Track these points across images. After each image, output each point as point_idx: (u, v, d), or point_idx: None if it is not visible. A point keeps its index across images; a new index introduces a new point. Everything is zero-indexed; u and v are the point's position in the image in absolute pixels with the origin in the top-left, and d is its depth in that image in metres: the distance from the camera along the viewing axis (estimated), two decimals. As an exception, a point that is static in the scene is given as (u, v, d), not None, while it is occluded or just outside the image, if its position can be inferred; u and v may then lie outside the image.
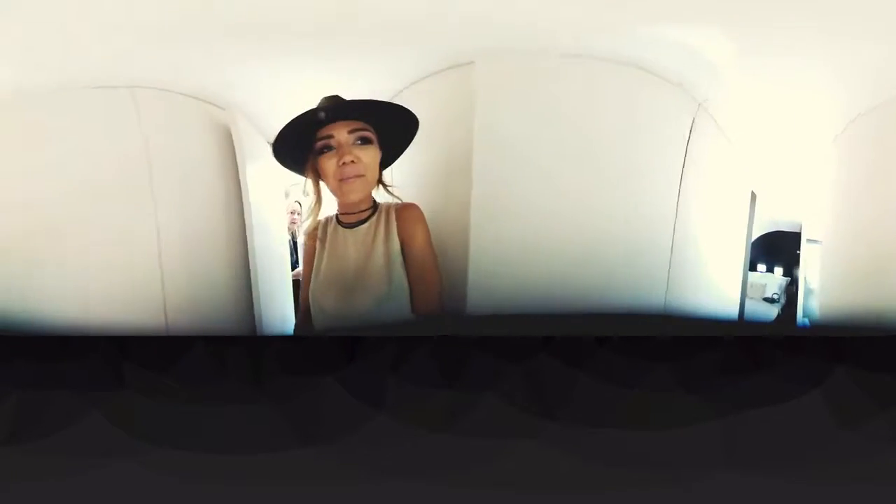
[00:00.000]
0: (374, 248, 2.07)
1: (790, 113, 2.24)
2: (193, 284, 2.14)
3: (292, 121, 2.03)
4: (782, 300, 2.31)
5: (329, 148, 2.04)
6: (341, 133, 2.03)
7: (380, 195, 2.12)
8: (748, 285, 2.29)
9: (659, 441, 2.31)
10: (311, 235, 2.13)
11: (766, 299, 2.31)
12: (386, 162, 2.07)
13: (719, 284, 2.29)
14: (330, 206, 2.14)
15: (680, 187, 2.17)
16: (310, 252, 2.13)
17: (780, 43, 2.16)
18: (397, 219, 2.06)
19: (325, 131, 2.03)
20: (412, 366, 2.34)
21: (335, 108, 2.01)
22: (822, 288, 2.26)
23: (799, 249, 2.29)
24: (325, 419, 2.32)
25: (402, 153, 2.05)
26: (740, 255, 2.29)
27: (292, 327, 2.23)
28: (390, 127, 2.04)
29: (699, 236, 2.24)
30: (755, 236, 2.30)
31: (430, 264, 2.08)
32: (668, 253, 2.17)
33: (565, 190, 2.10)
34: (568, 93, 2.10)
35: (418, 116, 2.04)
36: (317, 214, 2.09)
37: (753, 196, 2.28)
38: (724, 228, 2.30)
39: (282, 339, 2.30)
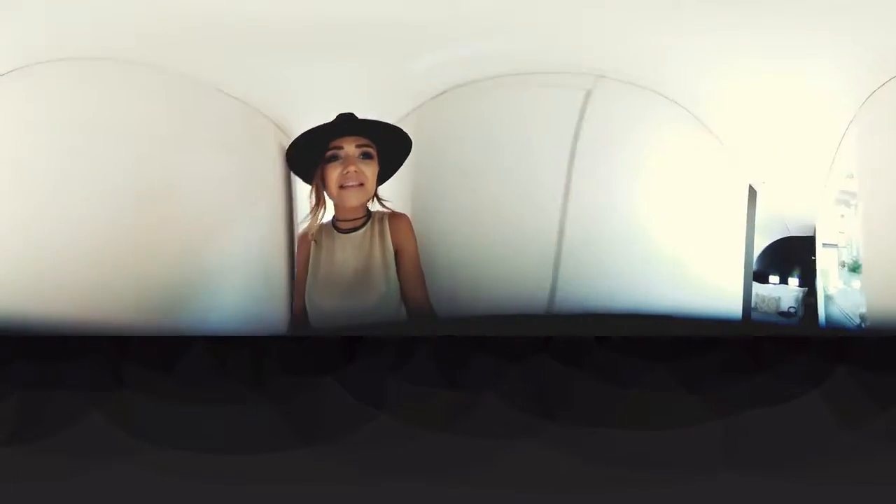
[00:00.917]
0: (371, 251, 2.25)
1: (789, 106, 2.22)
2: (270, 288, 2.28)
3: (309, 131, 2.24)
4: (800, 312, 2.23)
5: (336, 158, 2.25)
6: (350, 146, 2.25)
7: (373, 207, 2.30)
8: (761, 300, 2.24)
9: (659, 441, 2.31)
10: (305, 238, 2.26)
11: (781, 314, 2.24)
12: (382, 178, 2.27)
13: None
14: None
15: (569, 184, 2.22)
16: (304, 254, 2.26)
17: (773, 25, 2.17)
18: (390, 226, 2.26)
19: (335, 143, 2.24)
20: (412, 366, 2.34)
21: (349, 123, 2.23)
22: (868, 291, 2.18)
23: (814, 255, 2.23)
24: (325, 419, 2.32)
25: (396, 171, 2.26)
26: (739, 257, 2.26)
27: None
28: (389, 146, 2.25)
29: (594, 230, 2.23)
30: (763, 245, 2.25)
31: (419, 268, 2.25)
32: (553, 249, 2.22)
33: (482, 198, 2.28)
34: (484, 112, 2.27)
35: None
36: (317, 217, 2.26)
37: (753, 195, 2.27)
38: (688, 225, 2.26)
39: (282, 339, 2.30)
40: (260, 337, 2.25)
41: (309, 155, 2.24)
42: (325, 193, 2.25)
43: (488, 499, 2.29)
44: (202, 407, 2.32)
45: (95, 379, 2.33)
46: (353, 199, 2.25)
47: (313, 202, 2.25)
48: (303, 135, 2.24)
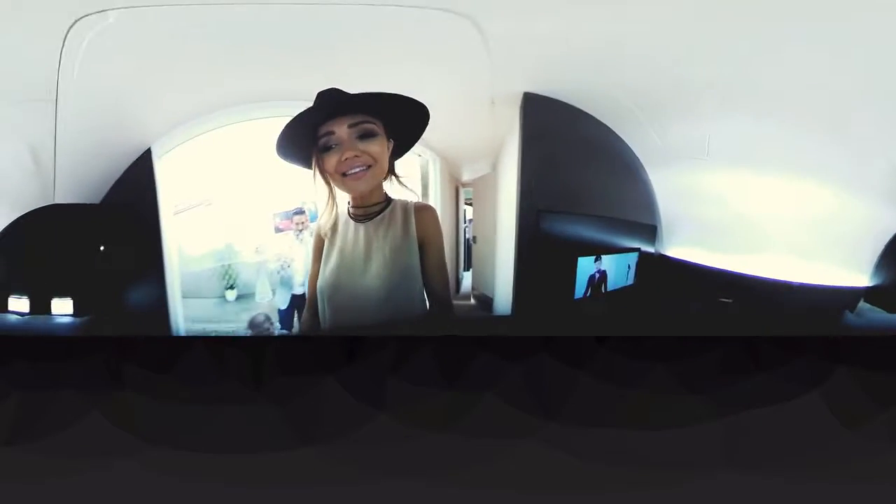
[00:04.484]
0: (388, 240, 2.10)
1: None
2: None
3: (292, 121, 2.06)
4: None
5: (330, 145, 2.06)
6: (342, 129, 2.05)
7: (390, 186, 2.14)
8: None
9: (659, 441, 2.31)
10: (319, 236, 2.12)
11: None
12: (400, 151, 2.09)
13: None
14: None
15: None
16: (316, 252, 2.14)
17: None
18: (416, 218, 2.09)
19: (325, 128, 2.05)
20: (412, 366, 2.34)
21: (331, 105, 2.03)
22: None
23: None
24: (325, 419, 2.32)
25: (415, 142, 2.07)
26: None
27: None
28: (398, 118, 2.05)
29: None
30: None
31: (444, 262, 2.11)
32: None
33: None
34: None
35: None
36: (331, 211, 2.10)
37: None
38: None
39: (282, 339, 2.30)
40: (260, 337, 2.25)
41: (300, 146, 2.05)
42: (331, 184, 2.07)
43: (488, 499, 2.29)
44: (202, 407, 2.32)
45: (95, 379, 2.33)
46: (360, 185, 2.06)
47: (323, 197, 2.07)
48: (288, 125, 2.04)
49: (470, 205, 2.13)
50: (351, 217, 2.10)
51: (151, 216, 2.10)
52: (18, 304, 2.14)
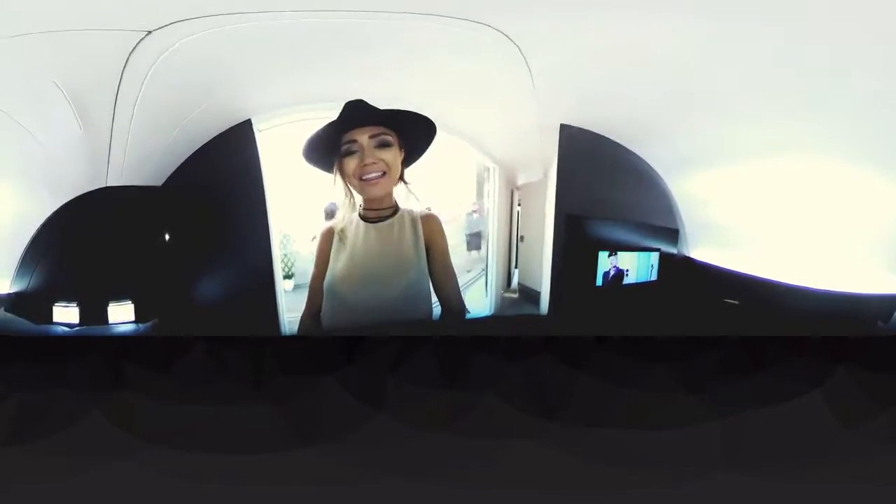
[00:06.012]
0: (401, 241, 2.24)
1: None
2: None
3: (320, 129, 2.21)
4: None
5: (351, 151, 2.22)
6: (363, 138, 2.22)
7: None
8: None
9: (659, 441, 2.31)
10: (327, 236, 2.24)
11: None
12: (409, 161, 2.24)
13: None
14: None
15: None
16: (323, 252, 2.25)
17: None
18: (423, 224, 2.25)
19: (348, 136, 2.22)
20: (412, 366, 2.34)
21: (356, 117, 2.20)
22: None
23: None
24: (325, 419, 2.32)
25: (422, 153, 2.24)
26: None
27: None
28: (411, 131, 2.23)
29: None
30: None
31: (450, 264, 2.25)
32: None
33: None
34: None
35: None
36: (349, 211, 2.24)
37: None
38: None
39: (282, 339, 2.30)
40: (260, 337, 2.25)
41: (325, 151, 2.20)
42: (350, 187, 2.22)
43: (488, 499, 2.29)
44: (202, 407, 2.32)
45: (95, 379, 2.33)
46: (376, 190, 2.23)
47: (342, 195, 2.23)
48: (316, 133, 2.19)
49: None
50: (362, 218, 2.25)
51: (257, 200, 2.18)
52: (66, 314, 2.14)
